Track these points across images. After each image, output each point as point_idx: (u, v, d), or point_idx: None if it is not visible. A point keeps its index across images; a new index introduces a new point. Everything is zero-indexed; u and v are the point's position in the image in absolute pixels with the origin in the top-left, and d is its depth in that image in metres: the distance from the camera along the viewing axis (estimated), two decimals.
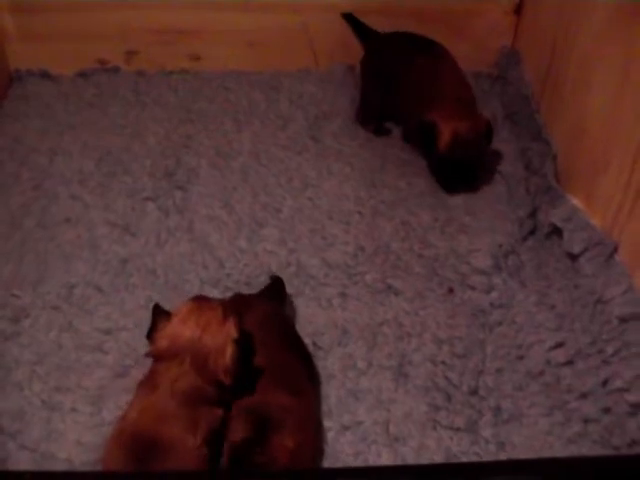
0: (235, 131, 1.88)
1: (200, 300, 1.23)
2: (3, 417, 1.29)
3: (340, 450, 1.25)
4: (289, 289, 1.48)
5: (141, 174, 1.75)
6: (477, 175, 1.71)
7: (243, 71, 2.04)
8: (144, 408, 1.15)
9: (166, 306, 1.23)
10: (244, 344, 1.18)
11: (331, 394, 1.33)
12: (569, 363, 1.33)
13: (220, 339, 1.16)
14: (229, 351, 1.16)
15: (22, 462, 1.23)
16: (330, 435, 1.27)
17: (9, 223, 1.63)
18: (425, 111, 1.68)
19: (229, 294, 1.45)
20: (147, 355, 1.20)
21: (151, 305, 1.28)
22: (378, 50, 1.87)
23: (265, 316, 1.32)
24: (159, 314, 1.21)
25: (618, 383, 1.24)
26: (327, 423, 1.28)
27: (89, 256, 1.56)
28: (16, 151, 1.81)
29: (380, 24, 1.95)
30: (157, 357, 1.19)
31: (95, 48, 2.03)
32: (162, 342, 1.18)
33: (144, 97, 1.98)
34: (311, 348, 1.39)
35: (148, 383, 1.19)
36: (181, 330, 1.17)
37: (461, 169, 1.67)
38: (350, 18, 1.96)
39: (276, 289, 1.45)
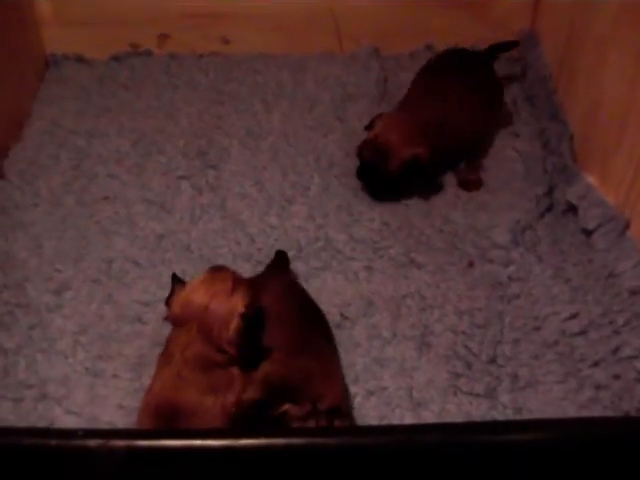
0: (264, 112, 1.92)
1: (215, 270, 1.27)
2: (49, 384, 1.35)
3: (365, 414, 1.29)
4: (317, 263, 1.54)
5: (175, 154, 1.80)
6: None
7: (271, 54, 2.07)
8: (163, 379, 1.20)
9: None
10: (251, 319, 1.21)
11: (357, 362, 1.37)
12: (582, 333, 1.36)
13: (226, 310, 1.20)
14: (234, 324, 1.19)
15: (68, 425, 1.28)
16: (356, 400, 1.31)
17: (51, 202, 1.68)
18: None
19: (260, 268, 1.50)
20: (165, 319, 1.26)
21: (186, 279, 1.34)
22: None
23: (283, 289, 1.37)
24: (177, 282, 1.27)
25: (628, 351, 1.29)
26: (353, 389, 1.33)
27: (127, 232, 1.62)
28: (55, 133, 1.86)
29: (403, 8, 2.00)
30: (172, 323, 1.25)
31: (128, 32, 2.07)
32: (175, 308, 1.24)
33: (176, 80, 2.02)
34: (338, 318, 1.44)
35: (165, 352, 1.24)
36: (191, 298, 1.22)
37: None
38: None
39: (281, 263, 1.49)
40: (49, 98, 1.98)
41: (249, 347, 1.21)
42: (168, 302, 1.27)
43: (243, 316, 1.20)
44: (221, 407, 1.17)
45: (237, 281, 1.25)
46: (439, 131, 1.64)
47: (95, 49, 2.08)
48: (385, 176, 1.62)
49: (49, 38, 2.07)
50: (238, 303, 1.21)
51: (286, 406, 1.15)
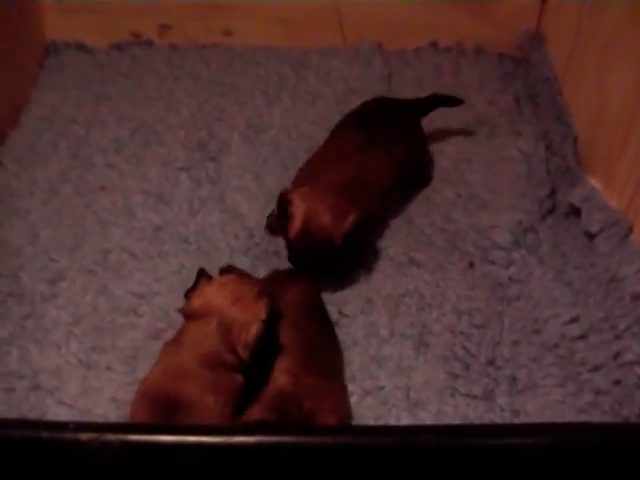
0: (265, 105, 1.91)
1: (241, 275, 1.28)
2: (42, 374, 1.34)
3: (362, 413, 1.29)
4: None
5: (175, 145, 1.79)
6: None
7: (273, 47, 2.06)
8: (167, 367, 1.20)
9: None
10: (270, 327, 1.21)
11: (355, 360, 1.37)
12: (583, 337, 1.36)
13: (249, 315, 1.20)
14: (254, 328, 1.19)
15: (60, 417, 1.27)
16: (353, 399, 1.31)
17: (48, 190, 1.67)
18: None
19: (258, 263, 1.51)
20: (179, 311, 1.25)
21: (183, 271, 1.34)
22: None
23: (300, 295, 1.37)
24: (203, 276, 1.26)
25: (629, 357, 1.27)
26: (350, 387, 1.32)
27: (124, 223, 1.61)
28: (54, 121, 1.85)
29: (407, 4, 1.99)
30: (188, 315, 1.24)
31: (129, 21, 2.06)
32: (196, 301, 1.23)
33: (177, 70, 2.01)
34: (336, 316, 1.43)
35: (175, 341, 1.23)
36: (216, 295, 1.22)
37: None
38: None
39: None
40: (49, 85, 1.97)
41: (262, 355, 1.21)
42: (188, 294, 1.26)
43: (265, 322, 1.20)
44: (221, 409, 1.17)
45: (263, 289, 1.25)
46: (360, 189, 1.50)
47: (96, 37, 2.07)
48: (331, 256, 1.46)
49: (50, 25, 2.06)
50: (261, 310, 1.21)
51: None
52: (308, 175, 1.54)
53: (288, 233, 1.44)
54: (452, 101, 1.77)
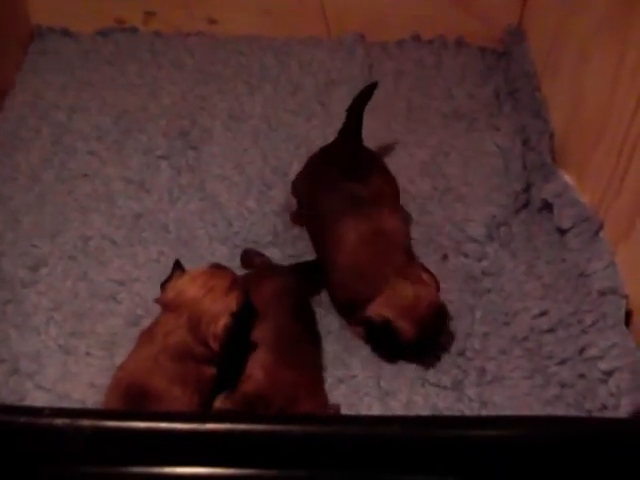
0: (247, 94, 1.92)
1: (216, 267, 1.29)
2: (21, 359, 1.36)
3: (334, 401, 1.31)
4: (293, 250, 1.54)
5: (156, 133, 1.80)
6: None
7: (257, 36, 2.07)
8: (139, 359, 1.22)
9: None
10: (241, 320, 1.23)
11: (328, 349, 1.39)
12: (551, 331, 1.38)
13: (219, 307, 1.22)
14: (223, 321, 1.21)
15: (38, 401, 1.29)
16: (326, 387, 1.33)
17: (29, 176, 1.69)
18: None
19: (237, 251, 1.53)
20: (156, 301, 1.27)
21: (162, 259, 1.35)
22: None
23: (281, 289, 1.37)
24: (178, 268, 1.28)
25: (593, 352, 1.30)
26: (323, 375, 1.35)
27: (105, 210, 1.62)
28: (37, 106, 1.86)
29: (389, 3, 2.00)
30: (163, 306, 1.26)
31: (114, 7, 2.06)
32: (170, 293, 1.25)
33: (161, 58, 2.01)
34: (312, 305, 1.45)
35: (149, 332, 1.26)
36: (188, 286, 1.24)
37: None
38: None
39: (310, 271, 1.48)
40: (33, 70, 1.97)
41: (232, 347, 1.23)
42: (164, 285, 1.28)
43: (234, 315, 1.22)
44: (189, 401, 1.19)
45: (235, 282, 1.26)
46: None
47: (81, 22, 2.07)
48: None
49: (35, 9, 2.06)
50: (232, 303, 1.22)
51: None
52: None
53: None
54: (368, 91, 1.61)
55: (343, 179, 1.48)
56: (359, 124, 1.59)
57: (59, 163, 1.72)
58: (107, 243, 1.56)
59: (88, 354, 1.38)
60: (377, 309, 1.34)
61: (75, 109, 1.86)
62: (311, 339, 1.37)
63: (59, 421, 1.02)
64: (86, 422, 1.02)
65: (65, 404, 1.29)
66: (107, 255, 1.54)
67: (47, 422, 1.02)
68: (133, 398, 1.17)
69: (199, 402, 1.21)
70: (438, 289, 1.37)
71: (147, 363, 1.20)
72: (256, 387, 1.21)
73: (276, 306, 1.33)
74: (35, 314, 1.43)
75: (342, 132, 1.60)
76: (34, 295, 1.47)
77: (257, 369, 1.24)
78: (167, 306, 1.25)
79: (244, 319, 1.24)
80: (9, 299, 1.45)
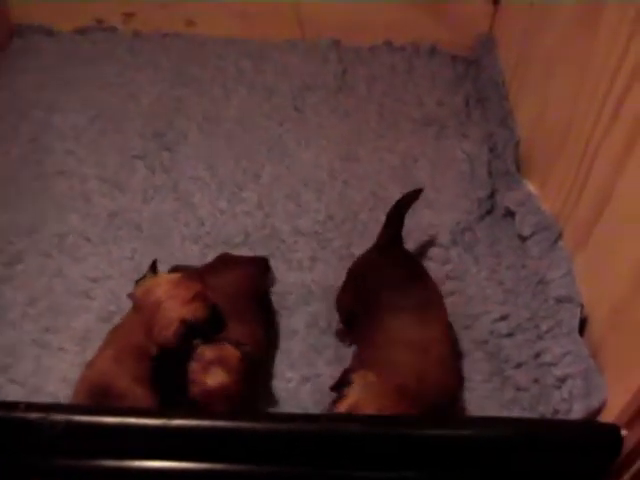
0: (223, 97, 1.95)
1: (187, 276, 1.29)
2: None
3: (301, 399, 1.35)
4: (264, 251, 1.58)
5: (132, 133, 1.83)
6: None
7: (234, 39, 2.11)
8: (104, 357, 1.24)
9: (148, 260, 1.32)
10: (193, 329, 1.23)
11: (294, 348, 1.43)
12: (510, 335, 1.42)
13: (174, 314, 1.23)
14: (172, 328, 1.22)
15: (11, 394, 1.32)
16: (291, 385, 1.37)
17: (7, 174, 1.71)
18: None
19: (207, 251, 1.56)
20: (128, 296, 1.29)
21: (136, 257, 1.38)
22: None
23: (240, 277, 1.41)
24: (152, 269, 1.30)
25: (548, 357, 1.33)
26: (289, 374, 1.38)
27: (80, 208, 1.65)
28: (15, 104, 1.88)
29: (364, 9, 2.04)
30: (133, 302, 1.28)
31: (94, 7, 2.09)
32: (138, 291, 1.27)
33: (139, 58, 2.04)
34: (279, 305, 1.49)
35: (117, 329, 1.29)
36: (153, 290, 1.25)
37: None
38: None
39: (262, 263, 1.54)
40: (12, 68, 2.00)
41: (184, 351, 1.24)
42: (138, 282, 1.30)
43: (183, 321, 1.22)
44: (150, 399, 1.21)
45: (199, 295, 1.27)
46: None
47: (61, 21, 2.10)
48: None
49: (15, 7, 2.09)
50: (188, 313, 1.23)
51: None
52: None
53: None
54: (412, 196, 1.51)
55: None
56: (400, 229, 1.48)
57: (36, 161, 1.75)
58: (82, 240, 1.59)
59: (61, 349, 1.40)
60: None
61: (53, 108, 1.88)
62: (264, 320, 1.41)
63: (33, 415, 1.06)
64: (59, 417, 1.06)
65: (38, 398, 1.31)
66: (82, 252, 1.57)
67: (22, 416, 1.07)
68: (98, 397, 1.19)
69: (159, 400, 1.23)
70: None
71: (110, 363, 1.23)
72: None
73: (234, 291, 1.36)
74: (10, 309, 1.46)
75: (382, 238, 1.47)
76: (10, 290, 1.49)
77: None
78: (135, 304, 1.28)
79: (206, 327, 1.25)
80: None
